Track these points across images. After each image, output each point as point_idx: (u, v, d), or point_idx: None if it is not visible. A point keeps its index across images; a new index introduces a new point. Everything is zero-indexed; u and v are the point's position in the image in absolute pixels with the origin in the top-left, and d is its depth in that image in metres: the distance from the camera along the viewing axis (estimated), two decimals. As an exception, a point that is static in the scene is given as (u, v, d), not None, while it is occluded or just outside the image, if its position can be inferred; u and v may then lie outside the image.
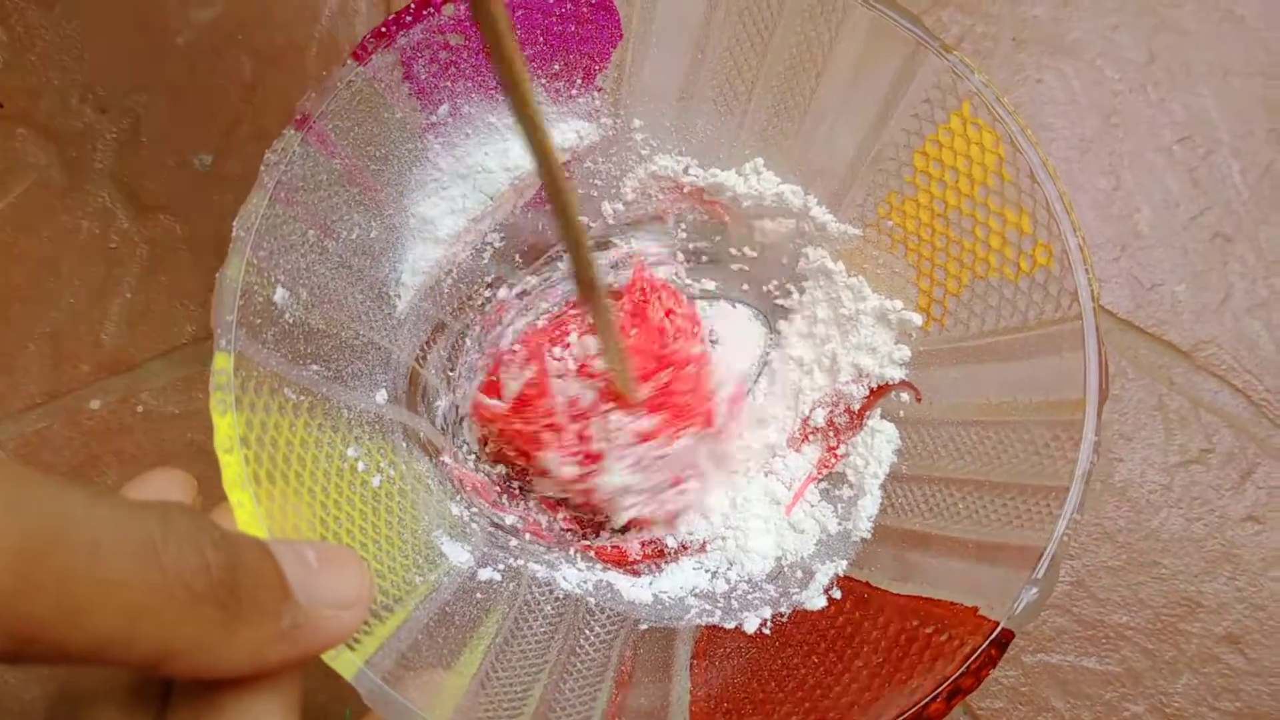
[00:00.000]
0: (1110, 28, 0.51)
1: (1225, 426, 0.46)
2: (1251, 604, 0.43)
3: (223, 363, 0.28)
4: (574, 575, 0.39)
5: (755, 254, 0.44)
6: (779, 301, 0.44)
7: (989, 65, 0.51)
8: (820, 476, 0.41)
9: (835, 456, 0.41)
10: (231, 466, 0.27)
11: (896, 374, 0.39)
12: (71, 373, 0.44)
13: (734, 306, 0.45)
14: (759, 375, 0.44)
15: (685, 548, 0.41)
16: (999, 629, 0.29)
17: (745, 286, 0.45)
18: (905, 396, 0.39)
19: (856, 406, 0.40)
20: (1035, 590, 0.29)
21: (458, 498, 0.39)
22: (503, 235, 0.42)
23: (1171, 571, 0.44)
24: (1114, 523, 0.44)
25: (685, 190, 0.43)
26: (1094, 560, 0.44)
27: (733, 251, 0.44)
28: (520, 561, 0.38)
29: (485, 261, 0.42)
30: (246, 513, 0.26)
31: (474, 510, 0.39)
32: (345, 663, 0.25)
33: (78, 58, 0.48)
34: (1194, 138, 0.50)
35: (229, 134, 0.47)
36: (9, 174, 0.46)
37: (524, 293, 0.44)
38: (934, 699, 0.28)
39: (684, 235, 0.45)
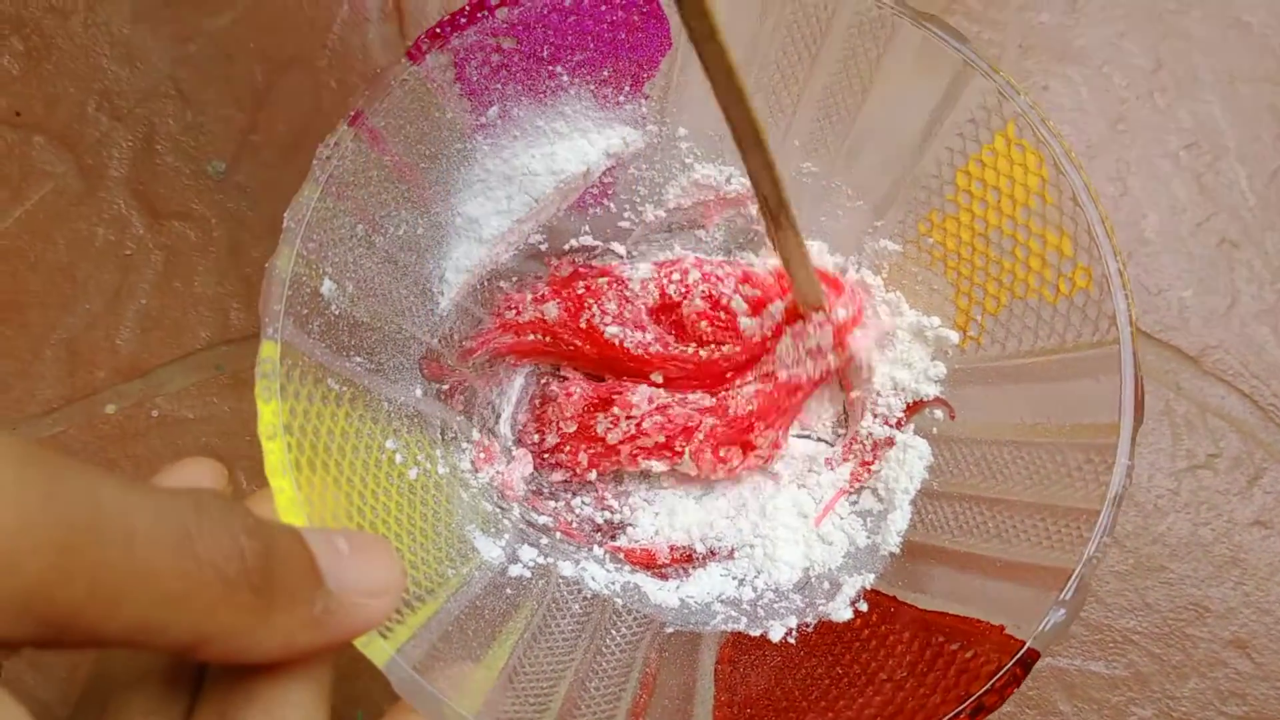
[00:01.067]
0: (1117, 34, 0.51)
1: (1232, 431, 0.46)
2: (1259, 608, 0.43)
3: (269, 351, 0.28)
4: (602, 576, 0.39)
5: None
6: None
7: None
8: (852, 490, 0.41)
9: (867, 470, 0.41)
10: (274, 453, 0.27)
11: (931, 390, 0.39)
12: (87, 378, 0.44)
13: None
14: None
15: (713, 554, 0.41)
16: (1025, 648, 0.29)
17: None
18: (939, 413, 0.39)
19: (891, 421, 0.40)
20: (1063, 612, 0.29)
21: (490, 494, 0.39)
22: (545, 237, 0.43)
23: (1179, 576, 0.44)
24: (1121, 527, 0.44)
25: (727, 199, 0.43)
26: (1101, 565, 0.44)
27: (771, 261, 0.44)
28: (550, 560, 0.38)
29: (514, 260, 0.43)
30: (287, 498, 0.26)
31: (506, 507, 0.39)
32: (377, 650, 0.26)
33: (93, 66, 0.48)
34: (1201, 144, 0.50)
35: (242, 141, 0.47)
36: (26, 181, 0.46)
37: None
38: (957, 715, 0.28)
39: (724, 243, 0.45)
